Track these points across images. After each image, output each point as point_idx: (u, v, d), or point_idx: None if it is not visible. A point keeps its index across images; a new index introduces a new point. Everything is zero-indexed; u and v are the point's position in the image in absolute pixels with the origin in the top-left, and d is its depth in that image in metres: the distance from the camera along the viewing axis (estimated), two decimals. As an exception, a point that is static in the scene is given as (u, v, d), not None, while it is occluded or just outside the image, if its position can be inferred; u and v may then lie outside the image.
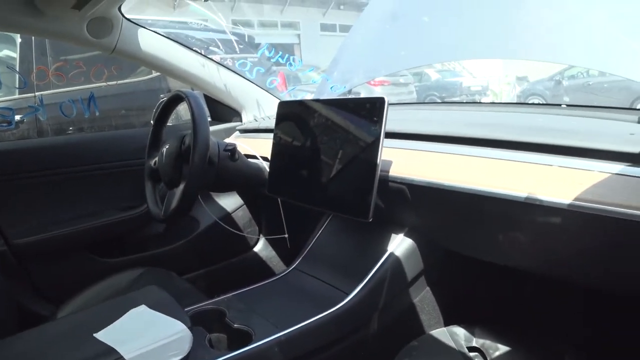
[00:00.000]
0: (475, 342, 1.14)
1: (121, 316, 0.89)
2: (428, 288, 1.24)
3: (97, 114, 1.75)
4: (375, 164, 1.03)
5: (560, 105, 1.38)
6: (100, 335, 0.84)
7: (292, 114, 1.33)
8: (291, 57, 1.82)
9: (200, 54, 1.73)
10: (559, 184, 0.86)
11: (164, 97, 1.68)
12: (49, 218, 1.51)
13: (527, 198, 0.87)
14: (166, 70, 1.71)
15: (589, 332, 1.19)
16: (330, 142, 1.16)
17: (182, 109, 1.76)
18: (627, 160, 0.84)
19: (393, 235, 1.19)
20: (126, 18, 1.53)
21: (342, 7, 16.10)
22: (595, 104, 1.32)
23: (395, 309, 1.19)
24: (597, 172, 0.84)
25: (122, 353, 0.79)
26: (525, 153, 0.96)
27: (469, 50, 1.81)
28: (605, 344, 1.17)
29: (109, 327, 0.86)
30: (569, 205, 0.82)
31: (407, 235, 1.18)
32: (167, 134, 1.42)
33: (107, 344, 0.81)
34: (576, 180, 0.84)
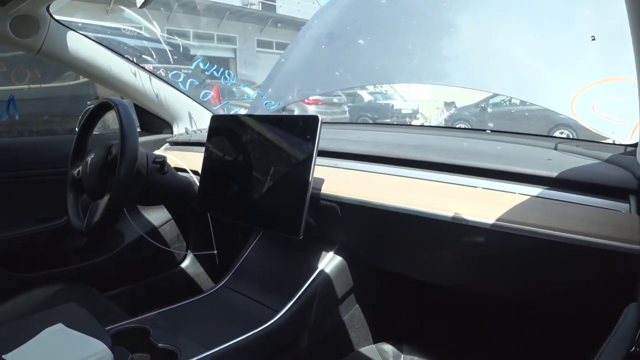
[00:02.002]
0: (403, 359, 1.17)
1: (35, 335, 0.84)
2: (357, 305, 1.26)
3: (17, 117, 1.65)
4: (307, 182, 1.03)
5: (485, 130, 1.45)
6: (12, 357, 0.78)
7: (225, 128, 1.31)
8: (226, 72, 1.81)
9: (132, 61, 1.68)
10: (483, 205, 0.90)
11: (91, 105, 1.61)
12: None
13: (453, 218, 0.91)
14: (95, 76, 1.65)
15: (516, 347, 1.24)
16: (263, 158, 1.16)
17: (110, 118, 1.69)
18: (545, 184, 0.90)
19: (323, 252, 1.20)
20: (54, 19, 1.46)
21: (279, 25, 16.23)
22: (516, 130, 1.40)
23: (325, 326, 1.19)
24: (518, 194, 0.90)
25: (33, 375, 0.74)
26: (452, 175, 1.01)
27: (401, 74, 1.87)
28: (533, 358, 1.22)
29: (21, 347, 0.81)
30: (492, 225, 0.87)
31: (337, 252, 1.19)
32: (92, 143, 1.36)
33: (17, 365, 0.76)
34: (499, 202, 0.90)
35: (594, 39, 1.19)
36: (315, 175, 1.06)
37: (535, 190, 0.90)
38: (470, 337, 1.29)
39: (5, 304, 1.24)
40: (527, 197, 0.89)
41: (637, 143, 0.91)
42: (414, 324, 1.35)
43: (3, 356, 0.78)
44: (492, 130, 1.44)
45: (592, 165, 0.99)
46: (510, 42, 1.56)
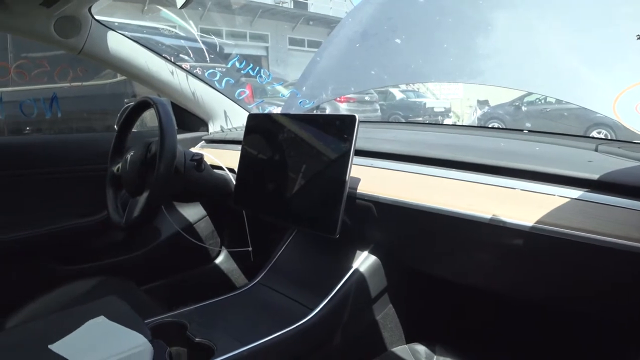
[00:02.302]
0: (436, 360, 1.16)
1: (78, 327, 0.86)
2: (391, 305, 1.25)
3: (59, 115, 1.70)
4: (343, 181, 1.03)
5: (522, 130, 1.43)
6: (56, 347, 0.81)
7: (261, 127, 1.33)
8: (261, 70, 1.82)
9: (170, 60, 1.71)
10: (522, 206, 0.89)
11: (129, 102, 1.65)
12: (2, 221, 1.45)
13: (491, 219, 0.90)
14: (134, 74, 1.68)
15: (552, 352, 1.22)
16: (299, 157, 1.16)
17: (147, 116, 1.73)
18: (585, 186, 0.88)
19: (358, 251, 1.19)
20: (96, 19, 1.50)
21: (311, 22, 16.27)
22: (552, 130, 1.37)
23: (358, 325, 1.19)
24: (558, 196, 0.88)
25: (77, 366, 0.77)
26: (489, 176, 0.99)
27: (436, 72, 1.85)
28: None
29: (65, 338, 0.83)
30: (531, 227, 0.85)
31: (371, 252, 1.19)
32: (131, 140, 1.39)
33: (63, 356, 0.78)
34: (538, 204, 0.88)
35: (639, 38, 1.15)
36: (351, 175, 1.06)
37: (575, 193, 0.88)
38: (504, 341, 1.27)
39: (48, 295, 1.28)
40: (567, 200, 0.87)
41: (683, 145, 0.88)
42: (448, 326, 1.34)
43: (49, 346, 0.81)
44: (529, 131, 1.42)
45: (635, 167, 0.96)
46: (547, 40, 1.53)
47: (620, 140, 1.28)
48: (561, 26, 1.51)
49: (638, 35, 1.14)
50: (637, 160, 1.01)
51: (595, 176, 0.88)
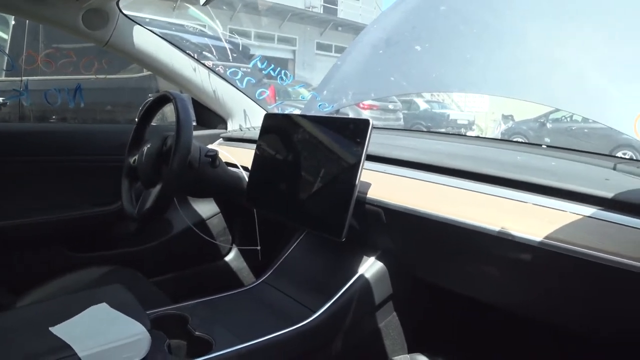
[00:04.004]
0: (437, 371, 1.15)
1: (80, 312, 0.88)
2: (395, 313, 1.24)
3: (82, 105, 1.73)
4: (353, 185, 1.03)
5: (540, 145, 1.41)
6: (57, 330, 0.82)
7: (276, 127, 1.33)
8: (283, 71, 1.83)
9: (193, 57, 1.73)
10: (532, 221, 0.87)
11: (151, 97, 1.67)
12: (19, 205, 1.48)
13: (499, 232, 0.88)
14: (157, 69, 1.71)
15: None
16: (311, 158, 1.17)
17: (169, 111, 1.75)
18: (600, 205, 0.86)
19: (365, 257, 1.19)
20: (123, 13, 1.53)
21: (339, 28, 16.31)
22: (575, 148, 1.34)
23: (360, 331, 1.18)
24: (570, 212, 0.86)
25: (76, 350, 0.77)
26: (502, 188, 0.98)
27: (457, 82, 1.84)
28: None
29: (66, 322, 0.85)
30: (540, 242, 0.83)
31: (378, 258, 1.18)
32: (150, 133, 1.41)
33: (62, 339, 0.79)
34: (549, 219, 0.86)
35: (665, 56, 1.13)
36: (362, 179, 1.06)
37: (589, 210, 0.86)
38: (507, 357, 1.25)
39: (58, 280, 1.30)
40: (579, 217, 0.85)
41: (703, 168, 0.86)
42: (451, 338, 1.32)
43: (50, 328, 0.82)
44: (547, 146, 1.39)
45: None
46: (575, 54, 1.50)
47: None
48: (591, 40, 1.48)
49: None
50: None
51: (610, 194, 0.86)
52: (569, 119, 7.29)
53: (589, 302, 0.88)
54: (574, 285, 0.87)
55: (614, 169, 1.09)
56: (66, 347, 0.78)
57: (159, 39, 1.64)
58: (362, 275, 1.15)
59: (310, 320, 1.06)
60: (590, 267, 0.79)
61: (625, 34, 1.42)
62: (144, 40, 1.60)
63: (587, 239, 0.80)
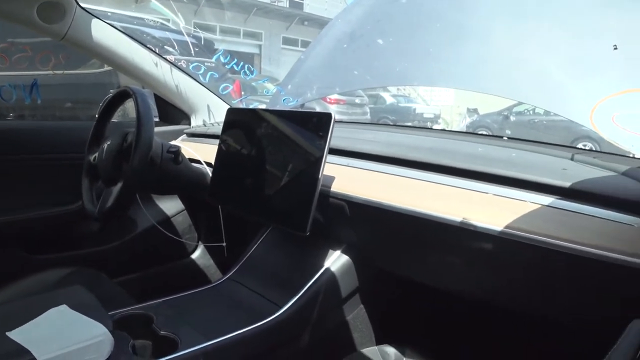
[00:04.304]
0: (405, 362, 1.16)
1: (39, 315, 0.85)
2: (362, 306, 1.25)
3: (39, 102, 1.68)
4: (316, 179, 1.03)
5: (502, 137, 1.44)
6: (14, 334, 0.79)
7: (240, 122, 1.32)
8: (246, 66, 1.82)
9: (155, 52, 1.69)
10: (493, 211, 0.89)
11: (112, 92, 1.63)
12: None
13: (461, 223, 0.90)
14: (117, 64, 1.66)
15: (521, 358, 1.23)
16: (275, 153, 1.16)
17: (130, 106, 1.71)
18: (558, 194, 0.88)
19: (330, 251, 1.19)
20: (80, 6, 1.48)
21: (305, 23, 16.26)
22: (536, 140, 1.38)
23: (328, 325, 1.19)
24: (530, 202, 0.89)
25: (35, 354, 0.75)
26: (464, 180, 1.00)
27: (420, 76, 1.86)
28: None
29: (24, 325, 0.82)
30: (500, 232, 0.85)
31: (344, 252, 1.19)
32: (110, 129, 1.37)
33: (19, 343, 0.77)
34: (510, 209, 0.88)
35: (615, 48, 1.17)
36: (325, 173, 1.06)
37: (547, 200, 0.89)
38: (474, 345, 1.27)
39: (16, 284, 1.26)
40: (538, 206, 0.88)
41: (656, 157, 0.89)
42: (418, 328, 1.34)
43: (7, 333, 0.79)
44: (509, 138, 1.42)
45: (608, 177, 0.97)
46: (538, 51, 1.53)
47: (597, 151, 1.30)
48: (552, 37, 1.52)
49: (615, 45, 1.15)
50: (610, 170, 1.02)
51: (567, 184, 0.88)
52: (531, 112, 7.48)
53: (548, 288, 0.91)
54: (534, 272, 0.90)
55: (572, 159, 1.12)
56: (24, 351, 0.76)
57: (119, 33, 1.60)
58: (327, 269, 1.16)
59: (277, 316, 1.06)
60: (549, 254, 0.81)
61: (583, 32, 1.46)
62: (103, 34, 1.56)
63: (545, 227, 0.82)
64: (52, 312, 0.87)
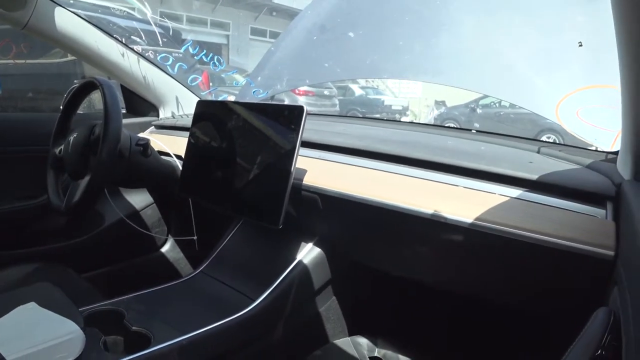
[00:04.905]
0: (378, 352, 1.18)
1: (6, 313, 0.83)
2: (334, 298, 1.26)
3: (0, 92, 1.62)
4: (289, 172, 1.03)
5: (470, 130, 1.46)
6: (-20, 333, 0.77)
7: (210, 114, 1.31)
8: (216, 57, 1.79)
9: (121, 42, 1.65)
10: (463, 203, 0.91)
11: (77, 83, 1.59)
12: None
13: (432, 215, 0.92)
14: (82, 54, 1.62)
15: (490, 347, 1.26)
16: (246, 146, 1.16)
17: (96, 98, 1.67)
18: (525, 186, 0.91)
19: (303, 243, 1.20)
20: (42, -7, 1.43)
21: (274, 13, 16.10)
22: (503, 132, 1.41)
23: (301, 317, 1.20)
24: (498, 194, 0.91)
25: (3, 353, 0.73)
26: (434, 172, 1.02)
27: (390, 69, 1.87)
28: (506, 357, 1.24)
29: (-10, 324, 0.80)
30: (470, 224, 0.88)
31: (316, 244, 1.20)
32: (76, 122, 1.34)
33: (-14, 342, 0.75)
34: (479, 201, 0.90)
35: (580, 45, 1.20)
36: (298, 166, 1.06)
37: (514, 192, 0.92)
38: (445, 335, 1.30)
39: (-21, 281, 1.22)
40: (506, 198, 0.90)
41: (618, 151, 0.93)
42: (391, 319, 1.36)
43: (-28, 332, 0.77)
44: (477, 131, 1.45)
45: (572, 170, 1.01)
46: (503, 45, 1.56)
47: (563, 144, 1.33)
48: (519, 33, 1.55)
49: (580, 42, 1.18)
50: (575, 163, 1.05)
51: (534, 177, 0.91)
52: (497, 105, 7.62)
53: (515, 278, 0.94)
54: (501, 262, 0.92)
55: (538, 152, 1.16)
56: (-9, 350, 0.74)
57: (83, 21, 1.55)
58: (300, 262, 1.16)
59: (250, 309, 1.06)
60: (516, 245, 0.83)
61: (549, 28, 1.50)
62: (67, 22, 1.51)
63: (512, 218, 0.85)
64: (20, 309, 0.84)
